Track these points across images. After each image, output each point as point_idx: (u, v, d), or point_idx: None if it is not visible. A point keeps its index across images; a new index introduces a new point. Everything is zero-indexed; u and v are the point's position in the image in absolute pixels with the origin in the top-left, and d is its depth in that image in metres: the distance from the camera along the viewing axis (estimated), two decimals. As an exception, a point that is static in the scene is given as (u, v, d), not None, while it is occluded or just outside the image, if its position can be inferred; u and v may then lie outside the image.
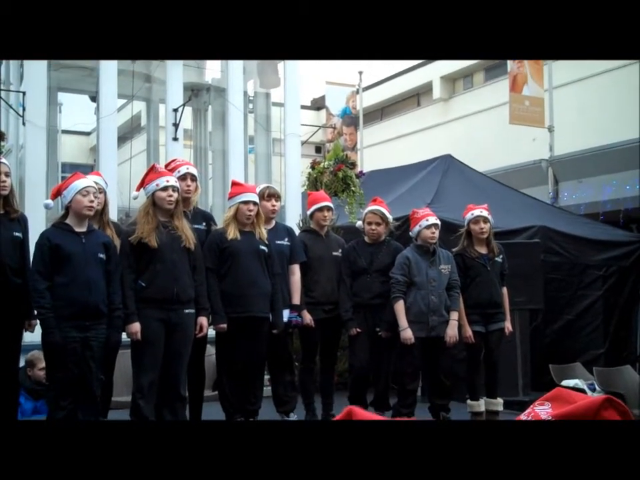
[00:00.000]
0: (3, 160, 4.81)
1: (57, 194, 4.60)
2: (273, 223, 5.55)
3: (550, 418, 1.56)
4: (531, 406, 1.65)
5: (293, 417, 5.55)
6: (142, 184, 4.81)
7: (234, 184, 5.30)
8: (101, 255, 4.45)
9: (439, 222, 5.60)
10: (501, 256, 5.89)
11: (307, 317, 5.53)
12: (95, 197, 4.50)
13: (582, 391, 6.97)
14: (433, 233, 5.52)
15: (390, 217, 5.76)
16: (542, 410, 1.61)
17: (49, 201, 4.69)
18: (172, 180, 4.74)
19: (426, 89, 18.39)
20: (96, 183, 4.67)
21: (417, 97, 19.25)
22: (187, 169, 5.17)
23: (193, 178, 5.16)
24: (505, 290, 5.93)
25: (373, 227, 5.68)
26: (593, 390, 7.07)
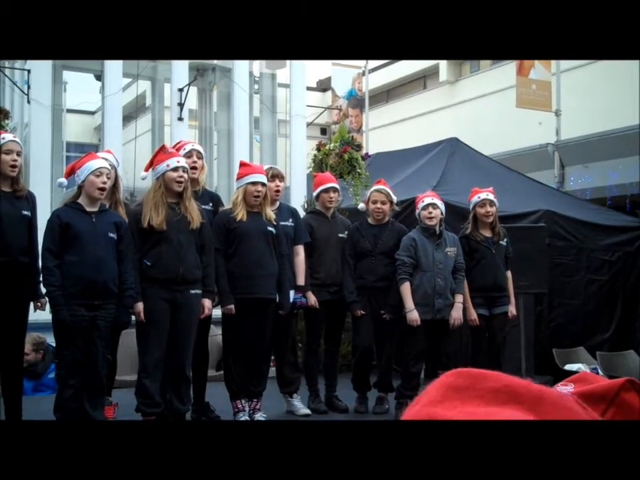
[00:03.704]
0: (16, 138, 4.79)
1: (70, 172, 4.59)
2: (277, 203, 5.54)
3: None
4: (555, 386, 1.65)
5: (297, 397, 5.56)
6: (151, 164, 4.80)
7: (242, 165, 5.28)
8: (112, 235, 4.45)
9: (436, 202, 5.55)
10: (505, 239, 5.90)
11: (312, 298, 5.53)
12: (108, 178, 4.49)
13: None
14: (430, 213, 5.49)
15: (394, 198, 5.75)
16: (564, 388, 1.60)
17: (63, 180, 4.68)
18: (182, 161, 4.74)
19: (432, 72, 18.30)
20: (106, 160, 4.65)
21: (424, 79, 19.17)
22: (192, 145, 5.20)
23: (199, 155, 5.16)
24: (509, 273, 5.94)
25: (379, 205, 5.65)
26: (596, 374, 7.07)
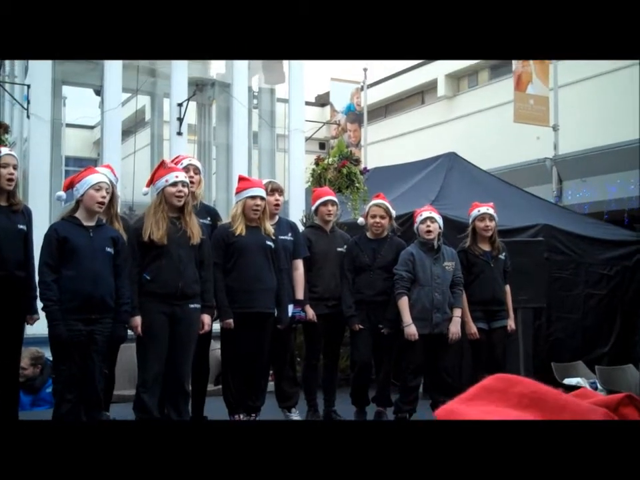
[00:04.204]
0: (13, 152, 4.79)
1: (69, 186, 4.58)
2: (276, 218, 5.54)
3: None
4: None
5: (295, 412, 5.54)
6: (151, 180, 4.80)
7: (241, 179, 5.29)
8: (109, 249, 4.45)
9: (435, 216, 5.56)
10: (503, 253, 5.90)
11: (310, 312, 5.52)
12: (107, 193, 4.49)
13: (584, 390, 6.95)
14: (428, 226, 5.50)
15: (393, 212, 5.76)
16: None
17: (62, 193, 4.68)
18: (181, 175, 4.73)
19: (430, 87, 18.38)
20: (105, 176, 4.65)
21: (422, 94, 19.23)
22: (189, 160, 5.24)
23: (196, 170, 5.19)
24: (507, 288, 5.93)
25: (377, 219, 5.65)
26: (595, 389, 7.05)
